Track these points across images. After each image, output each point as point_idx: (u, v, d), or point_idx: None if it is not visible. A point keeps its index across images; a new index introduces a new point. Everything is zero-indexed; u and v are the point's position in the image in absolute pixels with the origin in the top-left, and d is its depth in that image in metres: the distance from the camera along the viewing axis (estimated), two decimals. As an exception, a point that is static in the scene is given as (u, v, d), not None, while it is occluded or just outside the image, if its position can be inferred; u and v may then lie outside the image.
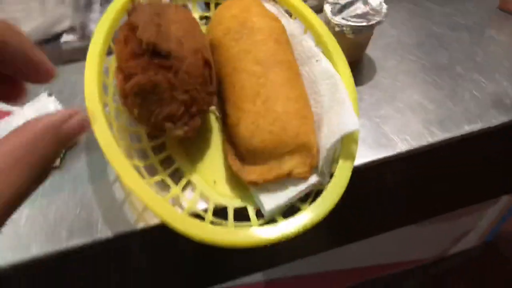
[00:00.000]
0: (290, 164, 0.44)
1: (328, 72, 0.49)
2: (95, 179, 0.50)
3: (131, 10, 0.47)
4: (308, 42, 0.52)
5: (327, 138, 0.44)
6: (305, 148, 0.44)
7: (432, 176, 0.64)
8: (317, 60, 0.51)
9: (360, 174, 0.48)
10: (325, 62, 0.50)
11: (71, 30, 1.37)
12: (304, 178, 0.45)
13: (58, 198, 0.49)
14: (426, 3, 0.68)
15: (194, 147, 0.52)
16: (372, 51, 0.63)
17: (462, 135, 0.54)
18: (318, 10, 0.58)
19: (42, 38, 1.35)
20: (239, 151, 0.46)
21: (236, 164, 0.46)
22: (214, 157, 0.51)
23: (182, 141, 0.52)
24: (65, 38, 1.38)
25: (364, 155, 0.52)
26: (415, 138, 0.54)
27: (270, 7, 0.57)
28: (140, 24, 0.43)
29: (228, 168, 0.49)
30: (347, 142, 0.46)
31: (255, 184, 0.45)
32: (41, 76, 0.27)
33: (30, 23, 1.30)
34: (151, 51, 0.42)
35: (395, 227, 0.79)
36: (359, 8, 0.53)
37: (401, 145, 0.53)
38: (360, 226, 0.71)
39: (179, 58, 0.43)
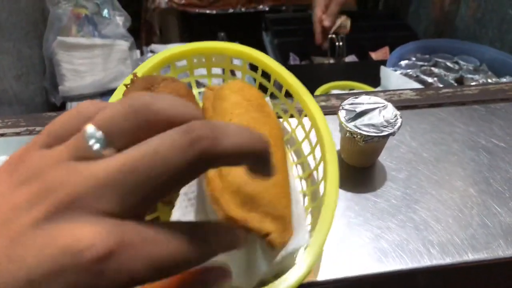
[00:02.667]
0: (270, 227, 0.41)
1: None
2: None
3: (129, 84, 0.51)
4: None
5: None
6: (284, 223, 0.42)
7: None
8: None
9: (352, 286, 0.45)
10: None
11: (128, 87, 1.47)
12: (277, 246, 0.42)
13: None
14: (451, 119, 0.66)
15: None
16: (386, 159, 0.61)
17: (463, 262, 0.50)
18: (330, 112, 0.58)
19: (99, 91, 1.45)
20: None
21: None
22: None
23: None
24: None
25: (357, 267, 0.49)
26: (412, 258, 0.51)
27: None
28: None
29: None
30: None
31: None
32: None
33: (92, 77, 1.41)
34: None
35: None
36: (374, 117, 0.53)
37: (396, 263, 0.50)
38: None
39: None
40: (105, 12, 1.40)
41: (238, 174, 0.43)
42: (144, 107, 0.22)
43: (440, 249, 0.52)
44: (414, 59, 1.24)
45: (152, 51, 1.54)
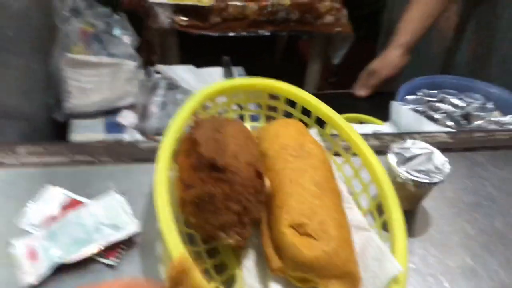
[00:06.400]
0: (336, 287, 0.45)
1: (360, 224, 0.52)
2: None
3: (193, 126, 0.52)
4: (342, 186, 0.56)
5: (371, 284, 0.45)
6: (351, 278, 0.45)
7: None
8: (349, 207, 0.54)
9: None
10: (356, 212, 0.54)
11: (131, 107, 1.46)
12: None
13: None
14: (485, 163, 0.68)
15: (246, 253, 0.52)
16: (427, 202, 0.62)
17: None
18: (379, 151, 0.60)
19: (104, 110, 1.44)
20: (284, 258, 0.47)
21: (277, 263, 0.47)
22: (264, 265, 0.50)
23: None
24: (125, 112, 1.46)
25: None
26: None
27: (315, 137, 0.61)
28: (201, 141, 0.48)
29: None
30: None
31: None
32: None
33: (99, 95, 1.40)
34: (209, 166, 0.46)
35: None
36: (423, 163, 0.55)
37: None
38: None
39: (234, 172, 0.46)
40: (116, 32, 1.39)
41: (292, 244, 0.46)
42: None
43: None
44: (421, 94, 1.28)
45: (157, 72, 1.54)
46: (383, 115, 1.26)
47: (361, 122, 1.23)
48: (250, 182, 0.47)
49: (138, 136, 1.26)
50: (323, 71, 2.09)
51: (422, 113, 1.19)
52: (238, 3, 1.74)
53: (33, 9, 1.32)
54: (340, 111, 1.23)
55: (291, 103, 0.64)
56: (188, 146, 0.49)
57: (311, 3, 1.78)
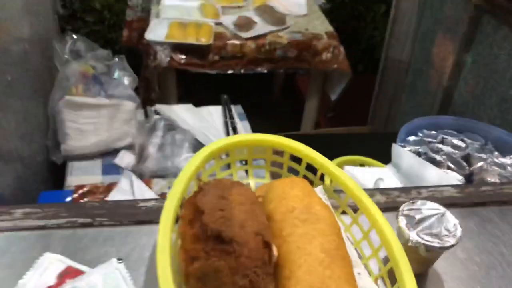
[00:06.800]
0: None
1: None
2: None
3: (197, 191, 0.50)
4: (351, 250, 0.54)
5: None
6: None
7: None
8: (359, 273, 0.52)
9: None
10: (367, 279, 0.52)
11: (129, 148, 1.45)
12: None
13: None
14: (495, 219, 0.66)
15: None
16: (438, 263, 0.59)
17: None
18: (386, 208, 0.58)
19: (103, 151, 1.43)
20: None
21: None
22: None
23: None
24: (122, 154, 1.45)
25: None
26: None
27: (321, 195, 0.59)
28: (205, 209, 0.46)
29: None
30: None
31: None
32: None
33: (96, 136, 1.39)
34: (214, 237, 0.44)
35: None
36: (433, 226, 0.53)
37: None
38: None
39: (241, 243, 0.44)
40: (116, 74, 1.40)
41: None
42: None
43: None
44: (421, 135, 1.27)
45: (156, 112, 1.53)
46: (383, 156, 1.25)
47: (362, 165, 1.23)
48: (258, 254, 0.45)
49: (135, 179, 1.24)
50: (321, 106, 2.10)
51: (423, 154, 1.19)
52: (236, 42, 1.76)
53: (33, 52, 1.33)
54: (340, 152, 1.23)
55: (296, 159, 0.63)
56: (192, 214, 0.47)
57: (309, 41, 1.80)
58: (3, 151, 1.15)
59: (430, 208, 0.55)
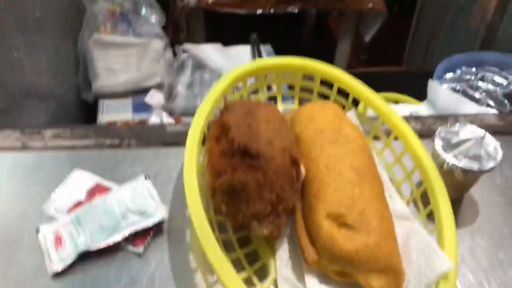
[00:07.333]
0: (378, 283, 0.42)
1: (403, 214, 0.48)
2: (175, 270, 0.48)
3: (223, 109, 0.49)
4: (382, 174, 0.52)
5: (415, 280, 0.42)
6: (393, 272, 0.42)
7: None
8: (390, 196, 0.50)
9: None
10: (398, 201, 0.50)
11: (158, 86, 1.45)
12: None
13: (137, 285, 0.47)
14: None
15: (280, 242, 0.49)
16: (474, 189, 0.57)
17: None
18: (420, 135, 0.55)
19: (132, 90, 1.43)
20: (320, 251, 0.44)
21: (313, 255, 0.44)
22: (299, 256, 0.47)
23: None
24: (152, 92, 1.45)
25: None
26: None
27: (353, 120, 0.57)
28: (232, 125, 0.45)
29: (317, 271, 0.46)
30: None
31: None
32: None
33: (126, 75, 1.39)
34: (241, 152, 0.43)
35: None
36: (472, 148, 0.50)
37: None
38: None
39: (268, 159, 0.43)
40: (143, 11, 1.37)
41: (330, 237, 0.43)
42: None
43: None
44: (459, 72, 1.21)
45: (184, 51, 1.51)
46: (419, 94, 1.20)
47: (396, 102, 1.18)
48: (285, 170, 0.44)
49: (165, 117, 1.24)
50: (354, 48, 2.02)
51: (461, 92, 1.13)
52: (266, -20, 1.68)
53: (60, -11, 1.31)
54: (374, 90, 1.19)
55: (327, 84, 0.60)
56: (219, 131, 0.46)
57: (342, -21, 1.71)
58: (36, 88, 1.16)
59: (469, 131, 0.52)
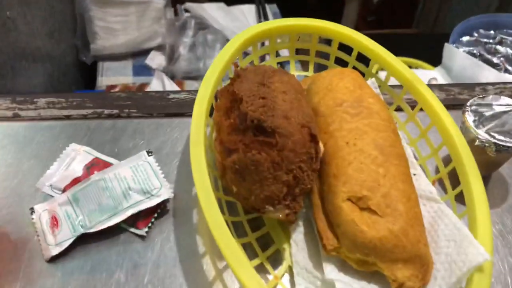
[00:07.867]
0: (404, 274, 0.38)
1: (428, 194, 0.45)
2: (181, 254, 0.45)
3: (234, 77, 0.44)
4: (407, 150, 0.48)
5: (445, 270, 0.38)
6: (421, 261, 0.39)
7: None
8: (414, 174, 0.47)
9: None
10: (424, 180, 0.47)
11: (159, 48, 1.39)
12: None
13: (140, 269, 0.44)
14: None
15: (295, 225, 0.45)
16: (504, 167, 0.53)
17: None
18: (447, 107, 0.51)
19: (132, 51, 1.37)
20: (340, 237, 0.40)
21: (332, 242, 0.41)
22: (316, 241, 0.44)
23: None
24: (153, 54, 1.39)
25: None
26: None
27: (374, 89, 0.52)
28: (244, 97, 0.40)
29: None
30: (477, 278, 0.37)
31: None
32: None
33: (126, 36, 1.32)
34: (254, 127, 0.38)
35: None
36: (507, 122, 0.45)
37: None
38: None
39: (285, 135, 0.39)
40: (143, -34, 1.29)
41: (351, 222, 0.39)
42: None
43: None
44: (476, 35, 1.14)
45: (186, 10, 1.44)
46: (431, 58, 1.14)
47: (409, 67, 1.13)
48: (303, 148, 0.39)
49: (167, 80, 1.19)
50: (362, 9, 1.94)
51: (478, 56, 1.07)
52: None
53: None
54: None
55: (345, 49, 0.55)
56: (229, 102, 0.41)
57: None
58: (31, 49, 1.10)
59: (503, 103, 0.47)
